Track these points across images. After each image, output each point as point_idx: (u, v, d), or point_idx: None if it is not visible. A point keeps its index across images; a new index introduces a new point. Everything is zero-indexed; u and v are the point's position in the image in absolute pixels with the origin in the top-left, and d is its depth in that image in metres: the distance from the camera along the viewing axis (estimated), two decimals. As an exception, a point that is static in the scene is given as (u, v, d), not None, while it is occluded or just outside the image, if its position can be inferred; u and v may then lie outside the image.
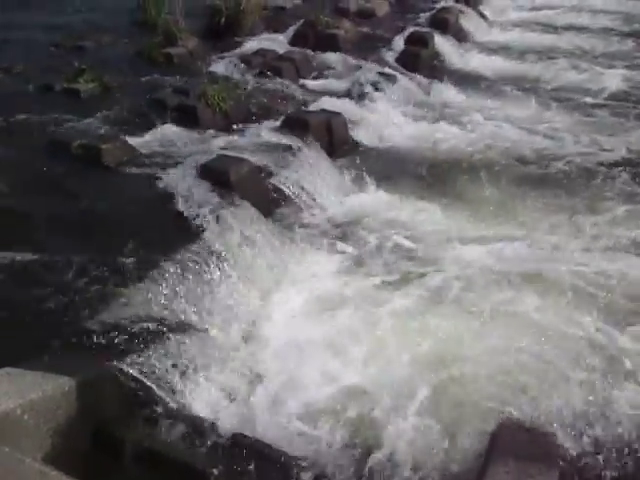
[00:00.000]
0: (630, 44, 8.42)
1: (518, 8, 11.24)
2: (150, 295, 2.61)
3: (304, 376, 2.55)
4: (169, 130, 4.53)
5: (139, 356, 2.26)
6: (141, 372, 2.22)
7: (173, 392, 2.28)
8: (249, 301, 2.90)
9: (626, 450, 2.30)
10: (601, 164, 4.64)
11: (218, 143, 4.32)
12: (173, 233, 3.15)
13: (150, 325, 2.46)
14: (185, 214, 3.30)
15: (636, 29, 9.32)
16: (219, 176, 3.57)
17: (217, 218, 3.17)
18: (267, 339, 2.76)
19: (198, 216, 3.24)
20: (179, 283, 2.72)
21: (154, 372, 2.25)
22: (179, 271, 2.77)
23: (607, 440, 2.33)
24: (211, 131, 4.60)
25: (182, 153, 4.09)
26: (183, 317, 2.61)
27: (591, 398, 2.50)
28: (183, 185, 3.55)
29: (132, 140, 4.25)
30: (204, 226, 3.15)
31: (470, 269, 3.32)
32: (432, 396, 2.50)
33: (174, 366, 2.31)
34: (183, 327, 2.55)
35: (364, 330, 2.83)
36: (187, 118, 4.69)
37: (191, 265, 2.83)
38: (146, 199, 3.46)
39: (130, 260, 2.81)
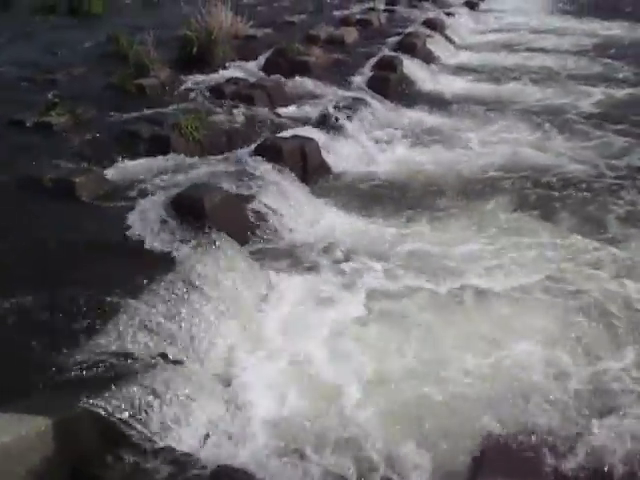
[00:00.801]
0: (591, 62, 8.73)
1: (483, 31, 11.62)
2: (124, 329, 2.58)
3: (283, 405, 2.54)
4: (143, 161, 4.54)
5: (116, 392, 2.23)
6: (119, 408, 2.20)
7: (152, 427, 2.25)
8: (227, 332, 2.89)
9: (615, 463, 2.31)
10: (574, 180, 4.76)
11: (192, 172, 4.33)
12: (147, 265, 3.13)
13: (125, 360, 2.44)
14: (159, 245, 3.31)
15: (596, 48, 9.68)
16: (193, 205, 3.58)
17: (192, 248, 3.17)
18: (246, 369, 2.74)
19: (173, 247, 3.24)
20: (154, 316, 2.71)
21: (132, 407, 2.23)
22: (154, 303, 2.76)
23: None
24: (185, 160, 4.61)
25: (156, 184, 4.10)
26: (159, 350, 2.59)
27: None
28: (158, 216, 3.54)
29: (106, 172, 4.26)
30: (179, 257, 3.15)
31: (442, 295, 3.35)
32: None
33: (152, 400, 2.29)
34: (160, 360, 2.53)
35: (338, 363, 2.82)
36: (161, 148, 4.71)
37: (166, 297, 2.82)
38: (121, 231, 3.45)
39: (103, 294, 2.79)
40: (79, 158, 4.50)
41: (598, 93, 7.19)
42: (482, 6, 14.64)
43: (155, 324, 2.67)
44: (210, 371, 2.67)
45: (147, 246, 3.31)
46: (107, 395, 2.20)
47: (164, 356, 2.57)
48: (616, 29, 11.30)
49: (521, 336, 3.00)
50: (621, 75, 8.00)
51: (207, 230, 3.41)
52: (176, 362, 2.57)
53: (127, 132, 4.93)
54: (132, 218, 3.53)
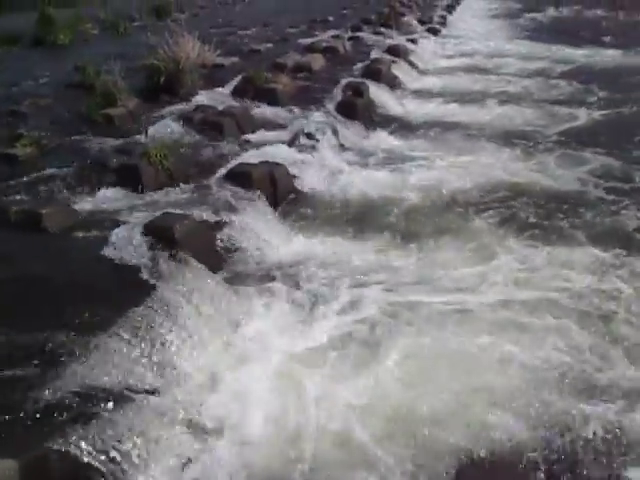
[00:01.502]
0: (551, 85, 9.06)
1: (445, 56, 11.97)
2: (93, 363, 2.54)
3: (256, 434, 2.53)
4: (112, 191, 4.51)
5: (85, 431, 2.18)
6: (88, 447, 2.14)
7: (124, 465, 2.20)
8: (200, 361, 2.86)
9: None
10: (544, 198, 4.89)
11: (162, 201, 4.33)
12: (118, 295, 3.10)
13: (97, 395, 2.39)
14: (131, 275, 3.27)
15: (556, 72, 10.06)
16: (164, 234, 3.56)
17: (163, 278, 3.16)
18: (220, 399, 2.72)
19: (144, 277, 3.21)
20: (125, 348, 2.67)
21: (102, 446, 2.18)
22: (125, 335, 2.72)
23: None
24: (154, 190, 4.60)
25: (126, 214, 4.07)
26: (131, 382, 2.55)
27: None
28: (128, 246, 3.51)
29: (74, 203, 4.21)
30: (150, 287, 3.13)
31: (418, 314, 3.39)
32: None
33: (125, 436, 2.25)
34: (132, 393, 2.49)
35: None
36: (129, 178, 4.68)
37: (138, 327, 2.79)
38: (90, 263, 3.41)
39: (73, 328, 2.74)
40: (46, 189, 4.45)
41: (560, 114, 7.45)
42: (443, 32, 15.12)
43: (126, 356, 2.63)
44: (182, 403, 2.63)
45: (118, 276, 3.27)
46: (76, 434, 2.15)
47: (136, 390, 2.53)
48: (575, 54, 11.76)
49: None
50: (583, 97, 8.31)
51: (178, 258, 3.40)
52: (148, 395, 2.54)
53: (95, 162, 4.90)
54: (102, 248, 3.49)
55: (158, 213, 3.84)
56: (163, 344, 2.83)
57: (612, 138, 6.43)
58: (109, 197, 4.41)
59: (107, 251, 3.45)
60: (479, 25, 17.58)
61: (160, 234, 3.56)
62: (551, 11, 19.71)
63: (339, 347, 3.13)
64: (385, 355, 3.04)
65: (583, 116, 7.37)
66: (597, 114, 7.41)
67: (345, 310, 3.43)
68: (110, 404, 2.37)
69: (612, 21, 16.77)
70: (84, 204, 4.26)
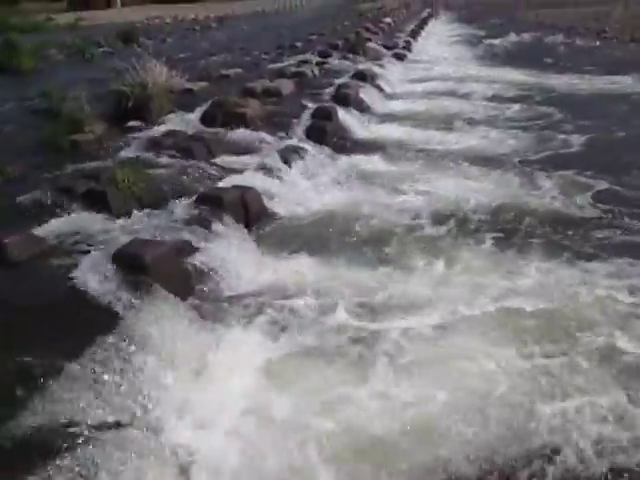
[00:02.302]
0: (515, 108, 9.31)
1: (412, 81, 12.23)
2: (62, 395, 2.45)
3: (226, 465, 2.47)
4: (79, 218, 4.41)
5: (55, 466, 2.10)
6: (58, 481, 2.06)
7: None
8: (169, 390, 2.79)
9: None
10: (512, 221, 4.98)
11: (131, 227, 4.25)
12: (87, 325, 3.01)
13: (65, 429, 2.30)
14: (100, 303, 3.18)
15: (519, 95, 10.36)
16: (134, 261, 3.49)
17: (133, 306, 3.08)
18: (189, 428, 2.65)
19: (114, 305, 3.13)
20: (95, 378, 2.59)
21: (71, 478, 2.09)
22: (95, 365, 2.64)
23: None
24: (123, 215, 4.52)
25: (94, 241, 3.98)
26: (101, 414, 2.46)
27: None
28: (97, 274, 3.42)
29: (40, 231, 4.08)
30: (120, 315, 3.05)
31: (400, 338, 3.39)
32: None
33: (92, 470, 2.16)
34: (102, 425, 2.40)
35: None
36: (97, 204, 4.60)
37: (108, 357, 2.71)
38: (57, 293, 3.31)
39: (40, 359, 2.64)
40: (10, 217, 4.33)
41: (524, 137, 7.64)
42: (409, 57, 15.46)
43: (96, 387, 2.55)
44: (151, 432, 2.55)
45: (87, 305, 3.18)
46: (45, 470, 2.06)
47: (106, 422, 2.44)
48: (536, 78, 12.15)
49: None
50: (543, 120, 8.55)
51: (148, 285, 3.32)
52: (118, 427, 2.45)
53: (61, 189, 4.79)
54: (70, 277, 3.39)
55: (127, 240, 3.77)
56: (132, 374, 2.75)
57: (571, 160, 6.62)
58: (76, 224, 4.30)
59: (75, 280, 3.35)
60: (443, 50, 18.06)
61: (129, 261, 3.48)
62: (512, 37, 20.38)
63: (307, 375, 3.08)
64: (357, 385, 3.01)
65: (544, 136, 7.58)
66: (558, 135, 7.62)
67: (316, 336, 3.39)
68: (77, 436, 2.28)
69: (570, 47, 17.44)
70: (50, 232, 4.14)
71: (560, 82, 11.58)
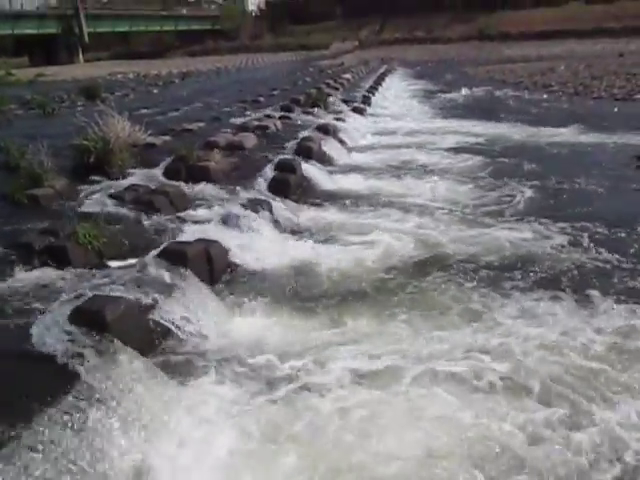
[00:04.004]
0: (466, 158, 9.66)
1: (372, 133, 12.60)
2: (19, 459, 2.32)
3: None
4: (37, 274, 4.30)
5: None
6: None
7: None
8: (131, 454, 2.68)
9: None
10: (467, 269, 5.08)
11: (92, 283, 4.15)
12: (46, 384, 2.89)
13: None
14: (59, 361, 3.06)
15: (472, 146, 10.77)
16: (94, 318, 3.40)
17: (92, 365, 2.98)
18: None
19: (74, 363, 3.02)
20: (53, 440, 2.47)
21: None
22: (53, 426, 2.52)
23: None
24: (84, 271, 4.43)
25: (53, 297, 3.86)
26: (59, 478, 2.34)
27: None
28: (56, 331, 3.32)
29: (-5, 289, 3.97)
30: (80, 373, 2.94)
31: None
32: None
33: None
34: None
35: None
36: (57, 260, 4.51)
37: (67, 417, 2.60)
38: (15, 350, 3.18)
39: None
40: (-36, 275, 4.19)
41: (478, 184, 7.91)
42: (369, 111, 15.97)
43: (54, 450, 2.43)
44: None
45: (45, 364, 3.06)
46: None
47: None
48: (490, 129, 12.69)
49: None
50: (497, 168, 8.88)
51: (108, 343, 3.23)
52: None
53: (19, 245, 4.69)
54: (28, 335, 3.28)
55: (87, 296, 3.68)
56: (91, 436, 2.63)
57: (521, 205, 6.88)
58: (34, 281, 4.19)
59: (32, 339, 3.24)
60: (401, 104, 18.74)
61: (89, 318, 3.40)
62: (464, 91, 21.36)
63: (271, 432, 3.01)
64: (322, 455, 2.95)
65: (494, 185, 7.86)
66: (509, 182, 7.90)
67: (280, 393, 3.34)
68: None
69: (519, 100, 18.37)
70: (7, 288, 4.03)
71: (511, 133, 12.12)
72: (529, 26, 58.69)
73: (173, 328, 3.80)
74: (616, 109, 15.12)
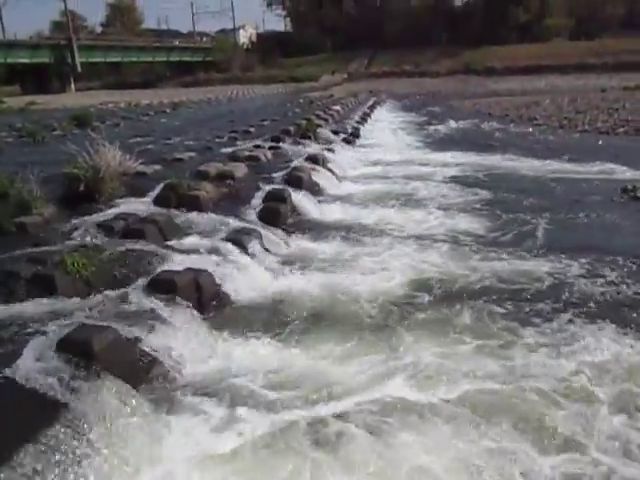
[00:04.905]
0: (455, 189, 9.77)
1: (362, 164, 12.74)
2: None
3: None
4: (24, 304, 4.25)
5: None
6: None
7: None
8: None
9: None
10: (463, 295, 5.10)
11: (80, 312, 4.11)
12: (32, 414, 2.84)
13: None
14: (46, 392, 3.02)
15: (460, 177, 10.92)
16: (81, 348, 3.36)
17: (79, 396, 2.93)
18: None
19: (60, 393, 2.97)
20: (40, 470, 2.40)
21: None
22: (39, 456, 2.47)
23: None
24: (72, 300, 4.38)
25: (40, 327, 3.82)
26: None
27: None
28: (42, 362, 3.27)
29: (-20, 318, 3.91)
30: (67, 404, 2.89)
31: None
32: None
33: None
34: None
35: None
36: (44, 289, 4.46)
37: (54, 448, 2.54)
38: (1, 379, 3.12)
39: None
40: (-51, 304, 4.13)
41: (470, 214, 7.99)
42: (358, 142, 16.17)
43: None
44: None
45: (32, 394, 3.00)
46: None
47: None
48: (477, 160, 12.88)
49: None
50: (485, 198, 8.99)
51: (95, 374, 3.18)
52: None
53: (5, 273, 4.64)
54: (14, 365, 3.22)
55: (75, 326, 3.63)
56: (80, 465, 2.58)
57: (512, 235, 6.95)
58: (21, 310, 4.14)
59: (18, 370, 3.18)
60: (389, 136, 19.00)
61: (77, 348, 3.36)
62: (452, 123, 21.74)
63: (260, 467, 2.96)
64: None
65: (483, 215, 7.95)
66: (498, 213, 7.99)
67: (268, 426, 3.30)
68: None
69: (506, 132, 18.71)
70: (-8, 319, 3.97)
71: (499, 164, 12.31)
72: (514, 61, 60.16)
73: (161, 357, 3.76)
74: (600, 142, 15.44)
